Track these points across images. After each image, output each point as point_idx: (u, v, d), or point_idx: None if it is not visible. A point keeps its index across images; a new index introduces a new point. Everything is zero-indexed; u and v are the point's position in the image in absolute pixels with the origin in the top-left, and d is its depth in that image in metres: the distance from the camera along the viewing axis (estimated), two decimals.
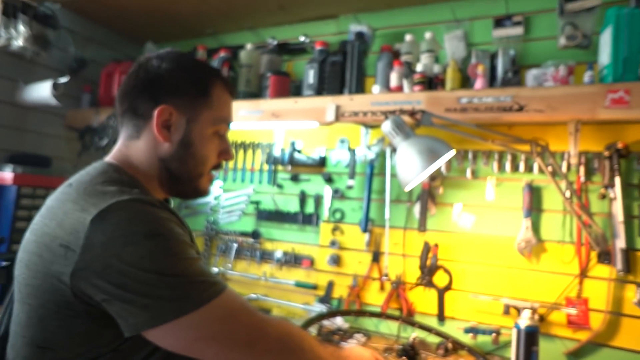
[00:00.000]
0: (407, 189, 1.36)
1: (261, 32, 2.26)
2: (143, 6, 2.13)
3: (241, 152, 2.27)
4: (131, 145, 0.87)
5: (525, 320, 1.35)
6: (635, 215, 1.52)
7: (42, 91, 1.99)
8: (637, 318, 1.49)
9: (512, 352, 1.36)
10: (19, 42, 1.93)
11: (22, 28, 1.93)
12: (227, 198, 2.27)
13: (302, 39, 2.08)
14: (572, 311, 1.56)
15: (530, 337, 1.33)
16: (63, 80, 1.96)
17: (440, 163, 1.30)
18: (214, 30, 2.34)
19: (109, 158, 0.88)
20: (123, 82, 0.89)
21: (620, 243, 1.49)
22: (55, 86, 1.96)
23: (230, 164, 2.28)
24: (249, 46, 1.99)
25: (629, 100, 1.24)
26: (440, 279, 1.80)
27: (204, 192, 0.94)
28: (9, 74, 2.04)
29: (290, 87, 1.89)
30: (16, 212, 1.92)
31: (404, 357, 1.42)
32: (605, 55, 1.34)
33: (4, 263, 1.56)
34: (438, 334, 1.57)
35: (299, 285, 2.04)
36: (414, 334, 1.46)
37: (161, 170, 0.87)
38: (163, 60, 0.86)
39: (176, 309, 0.66)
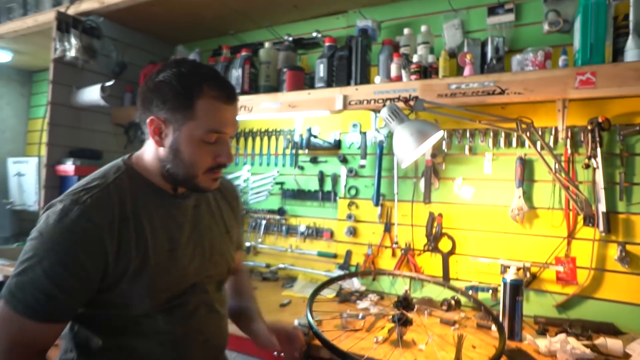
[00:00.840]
0: (403, 166, 1.58)
1: (277, 29, 2.49)
2: (173, 13, 2.40)
3: (265, 139, 2.53)
4: (145, 145, 1.02)
5: (511, 275, 1.56)
6: (616, 182, 1.69)
7: (92, 94, 2.30)
8: (618, 273, 1.68)
9: (500, 301, 1.58)
10: (71, 53, 2.24)
11: (73, 40, 2.24)
12: (255, 180, 2.55)
13: (314, 34, 2.30)
14: (561, 269, 1.76)
15: (516, 289, 1.54)
16: (109, 83, 2.27)
17: (430, 142, 1.51)
18: (235, 31, 2.59)
19: (134, 154, 1.05)
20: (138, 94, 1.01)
21: (602, 207, 1.67)
22: (103, 89, 2.27)
23: (257, 149, 2.55)
24: (267, 44, 2.23)
25: (595, 81, 1.41)
26: (444, 244, 2.02)
27: (205, 189, 1.02)
28: (64, 80, 2.37)
29: (305, 79, 2.12)
30: None
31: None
32: (577, 41, 1.51)
33: None
34: (451, 288, 1.78)
35: (321, 254, 2.31)
36: (405, 287, 1.69)
37: (161, 169, 0.98)
38: (160, 73, 0.95)
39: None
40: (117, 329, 0.96)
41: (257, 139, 2.56)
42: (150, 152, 1.00)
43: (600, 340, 1.41)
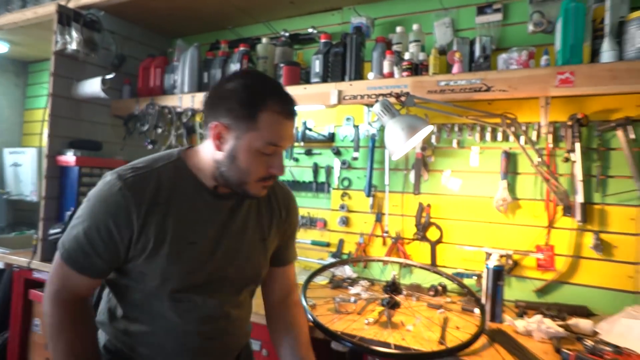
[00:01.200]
0: (394, 158, 1.68)
1: (274, 24, 2.55)
2: (172, 7, 2.45)
3: None
4: (204, 144, 1.07)
5: (493, 261, 1.67)
6: (592, 175, 1.80)
7: (92, 86, 2.36)
8: (592, 259, 1.80)
9: (483, 286, 1.69)
10: (72, 46, 2.29)
11: (74, 34, 2.29)
12: None
13: (310, 30, 2.38)
14: (541, 256, 1.87)
15: (497, 274, 1.64)
16: (110, 76, 2.33)
17: (420, 136, 1.61)
18: (233, 25, 2.65)
19: (191, 148, 1.12)
20: (205, 96, 1.07)
21: (580, 198, 1.78)
22: (104, 81, 2.33)
23: None
24: (264, 40, 2.30)
25: (573, 80, 1.50)
26: (432, 234, 2.12)
27: (253, 196, 1.06)
28: (65, 73, 2.42)
29: (301, 74, 2.19)
30: (79, 188, 2.33)
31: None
32: (558, 42, 1.60)
33: None
34: (438, 273, 1.88)
35: (315, 243, 2.41)
36: (393, 272, 1.80)
37: (215, 170, 1.04)
38: (230, 82, 1.01)
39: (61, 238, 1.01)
40: (135, 302, 1.06)
41: None
42: (207, 152, 1.05)
43: (573, 321, 1.53)
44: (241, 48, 2.28)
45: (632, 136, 1.69)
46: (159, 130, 2.45)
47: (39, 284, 2.35)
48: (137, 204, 0.97)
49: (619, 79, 1.43)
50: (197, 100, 2.36)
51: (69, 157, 2.32)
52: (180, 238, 1.02)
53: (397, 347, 1.34)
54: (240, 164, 1.00)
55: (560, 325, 1.49)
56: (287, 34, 2.39)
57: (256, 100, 0.97)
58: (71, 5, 2.42)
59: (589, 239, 1.80)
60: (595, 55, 1.58)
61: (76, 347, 1.00)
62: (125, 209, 0.96)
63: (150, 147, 2.46)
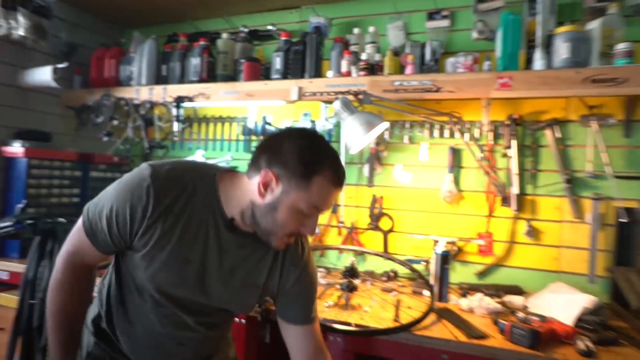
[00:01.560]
0: (352, 152, 1.80)
1: (233, 19, 2.59)
2: None
3: (219, 125, 2.63)
4: (245, 177, 1.05)
5: (440, 247, 1.84)
6: (526, 169, 2.02)
7: (43, 75, 2.28)
8: (525, 244, 2.02)
9: (431, 270, 1.86)
10: (19, 32, 2.20)
11: (21, 19, 2.19)
12: None
13: (270, 27, 2.44)
14: (482, 242, 2.07)
15: (444, 259, 1.81)
16: (62, 65, 2.26)
17: (375, 132, 1.73)
18: (191, 19, 2.65)
19: (233, 173, 1.10)
20: (264, 139, 1.08)
21: (515, 190, 1.99)
22: (55, 71, 2.26)
23: (210, 134, 2.64)
24: (224, 35, 2.33)
25: (511, 84, 1.69)
26: (384, 223, 2.27)
27: (275, 247, 1.07)
28: (10, 60, 2.31)
29: (261, 70, 2.25)
30: (27, 180, 2.25)
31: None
32: (498, 49, 1.78)
33: (31, 220, 1.92)
34: (392, 259, 2.02)
35: None
36: (352, 258, 1.92)
37: (247, 209, 1.03)
38: (292, 137, 1.02)
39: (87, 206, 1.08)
40: (128, 286, 1.10)
41: (211, 125, 2.65)
42: (245, 189, 1.04)
43: (507, 298, 1.74)
44: (201, 42, 2.30)
45: (558, 135, 1.91)
46: (115, 122, 2.41)
47: None
48: (155, 205, 1.00)
49: (548, 84, 1.64)
50: (155, 93, 2.35)
51: (16, 149, 2.23)
52: (178, 252, 1.03)
53: (357, 325, 1.47)
54: (278, 216, 1.00)
55: (497, 302, 1.68)
56: (246, 30, 2.43)
57: (315, 163, 0.98)
58: None
59: (522, 226, 2.01)
60: (529, 62, 1.78)
61: (69, 307, 1.09)
62: (144, 205, 1.00)
63: (106, 139, 2.41)
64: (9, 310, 2.12)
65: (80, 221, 1.07)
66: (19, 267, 2.01)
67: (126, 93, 2.43)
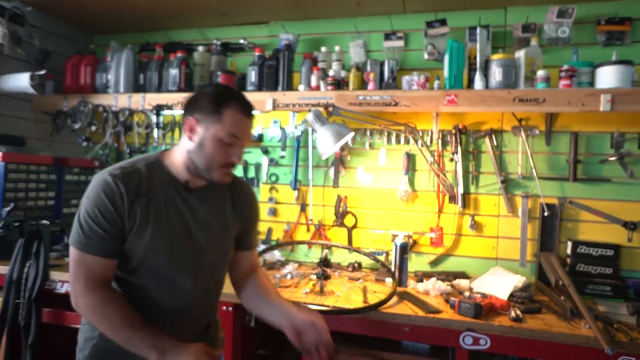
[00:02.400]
0: (324, 158, 2.04)
1: (206, 31, 2.75)
2: (101, 6, 2.49)
3: None
4: (179, 142, 1.26)
5: (399, 240, 2.13)
6: (469, 172, 2.35)
7: (19, 81, 2.33)
8: (469, 236, 2.36)
9: (392, 259, 2.14)
10: None
11: None
12: None
13: (241, 41, 2.63)
14: (433, 235, 2.39)
15: (403, 249, 2.10)
16: (40, 73, 2.33)
17: (344, 140, 1.99)
18: (164, 29, 2.78)
19: (168, 150, 1.30)
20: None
21: (461, 190, 2.32)
22: (33, 77, 2.32)
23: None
24: (200, 48, 2.50)
25: (457, 101, 2.01)
26: (349, 220, 2.53)
27: (219, 181, 1.26)
28: None
29: (236, 81, 2.44)
30: (5, 184, 2.30)
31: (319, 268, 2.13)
32: (446, 70, 2.10)
33: (17, 223, 2.01)
34: (358, 252, 2.28)
35: None
36: (325, 251, 2.17)
37: (187, 160, 1.24)
38: (204, 88, 1.28)
39: (69, 238, 1.19)
40: (127, 272, 1.23)
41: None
42: (181, 147, 1.25)
43: (456, 282, 2.06)
44: (179, 54, 2.45)
45: (495, 143, 2.27)
46: (93, 128, 2.50)
47: None
48: (126, 192, 1.17)
49: (486, 102, 1.97)
50: (134, 101, 2.48)
51: None
52: (161, 220, 1.20)
53: (333, 307, 1.71)
54: (207, 150, 1.20)
55: (448, 285, 2.00)
56: (219, 43, 2.61)
57: (222, 99, 1.21)
58: None
59: (467, 221, 2.35)
60: (471, 82, 2.10)
61: (117, 319, 1.13)
62: (119, 194, 1.16)
63: (85, 144, 2.50)
64: None
65: (71, 252, 1.17)
66: (1, 268, 2.07)
67: (103, 100, 2.53)
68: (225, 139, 1.21)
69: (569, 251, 2.11)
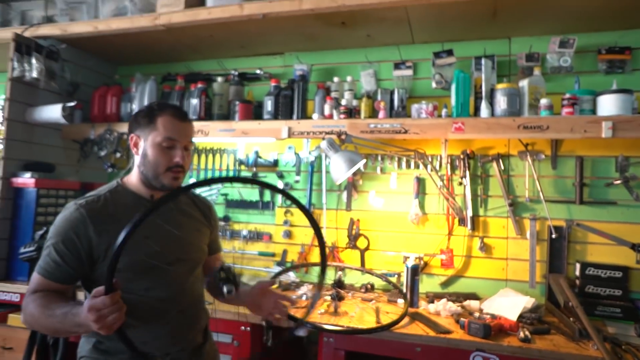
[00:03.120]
0: (337, 183, 2.14)
1: (224, 62, 2.91)
2: (129, 44, 2.69)
3: (210, 156, 2.92)
4: (133, 161, 1.39)
5: (411, 261, 2.20)
6: (478, 195, 2.43)
7: (52, 112, 2.50)
8: (479, 258, 2.42)
9: (404, 280, 2.21)
10: (32, 74, 2.43)
11: (35, 63, 2.43)
12: (202, 192, 2.92)
13: (258, 71, 2.78)
14: (444, 257, 2.45)
15: (414, 271, 2.17)
16: (71, 104, 2.49)
17: (356, 167, 2.09)
18: (185, 60, 2.95)
19: (127, 175, 1.42)
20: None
21: (470, 212, 2.39)
22: (64, 108, 2.49)
23: (202, 165, 2.92)
24: (219, 79, 2.65)
25: (464, 128, 2.11)
26: (361, 243, 2.61)
27: (169, 186, 1.33)
28: (20, 98, 2.52)
29: (253, 109, 2.58)
30: (37, 209, 2.44)
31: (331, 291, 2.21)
32: (453, 99, 2.21)
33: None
34: (371, 273, 2.36)
35: (261, 254, 2.77)
36: (339, 272, 2.25)
37: (139, 173, 1.35)
38: (139, 109, 1.39)
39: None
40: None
41: (203, 156, 2.93)
42: (135, 167, 1.37)
43: (466, 302, 2.11)
44: (199, 85, 2.61)
45: (502, 167, 2.34)
46: (118, 155, 2.65)
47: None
48: (90, 217, 1.24)
49: (492, 129, 2.06)
50: None
51: (27, 180, 2.43)
52: (134, 238, 1.22)
53: (348, 327, 1.79)
54: (150, 158, 1.31)
55: (458, 306, 2.06)
56: (236, 73, 2.76)
57: (154, 110, 1.34)
58: (27, 34, 2.54)
59: (476, 243, 2.42)
60: (477, 110, 2.20)
61: (36, 313, 1.17)
62: (82, 221, 1.23)
63: (110, 170, 2.65)
64: (18, 331, 2.29)
65: (33, 275, 1.25)
66: None
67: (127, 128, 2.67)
68: (164, 143, 1.31)
69: (577, 273, 2.15)
